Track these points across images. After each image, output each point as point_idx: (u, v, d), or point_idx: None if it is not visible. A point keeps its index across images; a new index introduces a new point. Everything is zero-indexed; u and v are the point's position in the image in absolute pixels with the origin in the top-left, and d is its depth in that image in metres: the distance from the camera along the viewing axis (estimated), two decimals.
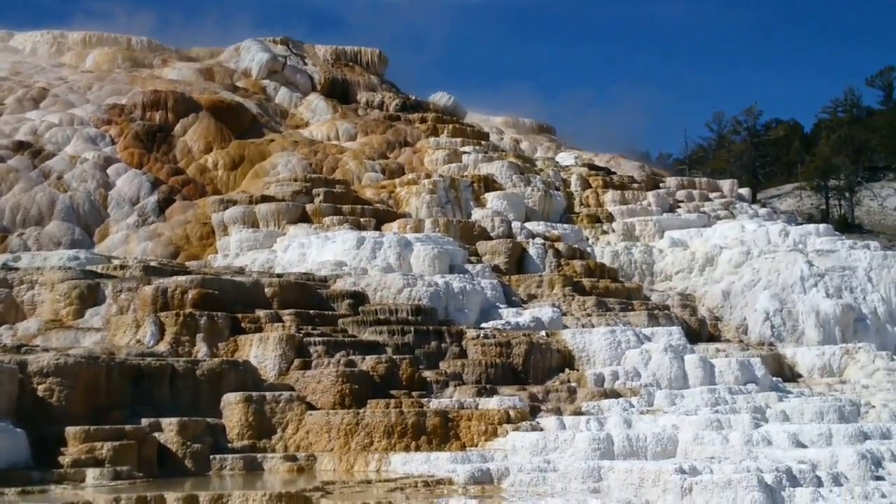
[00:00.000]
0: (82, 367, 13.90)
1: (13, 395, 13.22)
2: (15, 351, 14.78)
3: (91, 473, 12.38)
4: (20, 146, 26.56)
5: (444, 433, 14.51)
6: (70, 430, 12.98)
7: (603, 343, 17.80)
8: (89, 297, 17.51)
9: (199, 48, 37.47)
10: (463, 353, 17.46)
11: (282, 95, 34.00)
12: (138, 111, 29.50)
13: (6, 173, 25.29)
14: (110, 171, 26.77)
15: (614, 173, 32.13)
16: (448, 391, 16.14)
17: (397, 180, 27.82)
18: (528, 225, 26.01)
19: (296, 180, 26.32)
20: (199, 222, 25.28)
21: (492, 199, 26.94)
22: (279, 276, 19.50)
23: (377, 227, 24.05)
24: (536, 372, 17.40)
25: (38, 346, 15.76)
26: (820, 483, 11.73)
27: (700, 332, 22.11)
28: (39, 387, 13.55)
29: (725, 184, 33.88)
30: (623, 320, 19.85)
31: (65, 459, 12.62)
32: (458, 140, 31.58)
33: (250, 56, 35.24)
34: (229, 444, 14.38)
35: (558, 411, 15.54)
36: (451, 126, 32.95)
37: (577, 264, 23.65)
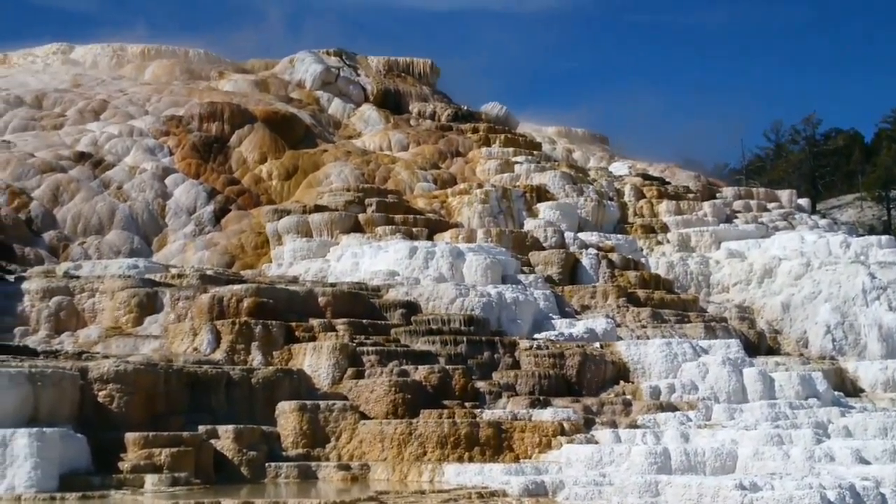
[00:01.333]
0: (141, 374, 14.09)
1: (75, 401, 13.45)
2: (76, 358, 15.05)
3: (150, 479, 12.53)
4: (81, 157, 27.12)
5: (497, 444, 14.44)
6: (129, 436, 13.16)
7: (659, 355, 17.58)
8: (148, 305, 17.79)
9: (254, 60, 37.97)
10: (516, 364, 17.37)
11: (335, 106, 34.29)
12: (195, 122, 29.95)
13: (68, 183, 25.83)
14: (168, 181, 27.20)
15: (669, 183, 31.80)
16: (501, 402, 16.07)
17: (449, 190, 27.85)
18: (581, 235, 25.85)
19: (348, 190, 26.49)
20: (253, 232, 25.56)
21: (544, 209, 26.83)
22: (332, 285, 19.61)
23: (429, 237, 24.09)
24: (590, 384, 17.24)
25: (98, 353, 16.03)
26: (884, 500, 11.43)
27: (759, 345, 21.73)
28: (100, 393, 13.77)
29: (784, 194, 33.30)
30: (679, 332, 19.59)
31: (124, 465, 12.79)
32: (511, 150, 31.53)
33: (304, 68, 35.61)
34: (284, 452, 14.47)
35: (613, 424, 15.38)
36: (503, 136, 32.91)
37: (632, 275, 23.42)
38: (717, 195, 31.50)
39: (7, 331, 17.50)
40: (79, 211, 25.26)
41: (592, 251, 24.28)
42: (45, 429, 12.42)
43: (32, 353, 15.00)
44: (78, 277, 18.91)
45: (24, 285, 18.25)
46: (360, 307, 18.49)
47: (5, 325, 17.71)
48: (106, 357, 15.32)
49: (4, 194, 24.54)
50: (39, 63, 36.59)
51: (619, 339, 19.14)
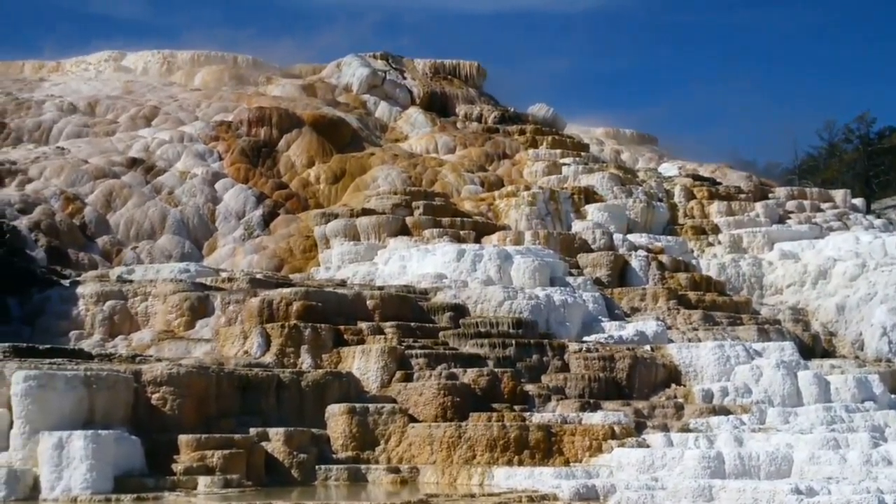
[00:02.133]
0: (193, 377, 14.24)
1: (129, 404, 13.63)
2: (130, 361, 15.26)
3: (202, 481, 12.66)
4: (133, 163, 27.54)
5: (546, 448, 14.36)
6: (182, 439, 13.31)
7: (711, 358, 17.34)
8: (199, 309, 17.98)
9: (301, 65, 38.26)
10: (565, 367, 17.26)
11: (381, 109, 34.42)
12: (244, 127, 30.25)
13: (120, 189, 26.25)
14: (218, 185, 27.50)
15: (720, 184, 31.38)
16: (550, 405, 15.97)
17: (496, 192, 27.78)
18: (630, 237, 25.62)
19: (396, 193, 26.55)
20: (301, 235, 25.73)
21: (592, 210, 26.64)
22: (380, 288, 19.66)
23: (476, 240, 24.05)
24: (641, 387, 17.06)
25: (151, 356, 16.23)
26: None
27: (813, 347, 21.34)
28: (153, 396, 13.94)
29: (838, 194, 32.66)
30: (731, 335, 19.31)
31: (177, 467, 12.93)
32: (558, 152, 31.36)
33: (351, 71, 35.80)
34: (334, 455, 14.53)
35: (665, 428, 15.20)
36: (550, 138, 32.75)
37: (682, 277, 23.14)
38: (770, 195, 31.01)
39: (62, 334, 17.81)
40: (131, 216, 25.64)
41: (642, 253, 24.05)
42: (100, 431, 12.61)
43: (87, 357, 15.23)
44: (131, 282, 19.19)
45: (79, 290, 18.55)
46: (408, 310, 18.51)
47: (61, 328, 18.03)
48: (159, 360, 15.51)
49: (59, 200, 25.00)
50: (92, 70, 37.28)
51: (670, 341, 18.93)
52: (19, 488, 12.14)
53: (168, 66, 37.28)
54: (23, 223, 23.45)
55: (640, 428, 15.10)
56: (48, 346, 15.37)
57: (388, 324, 17.62)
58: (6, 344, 14.69)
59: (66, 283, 19.92)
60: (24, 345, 15.00)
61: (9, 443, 12.62)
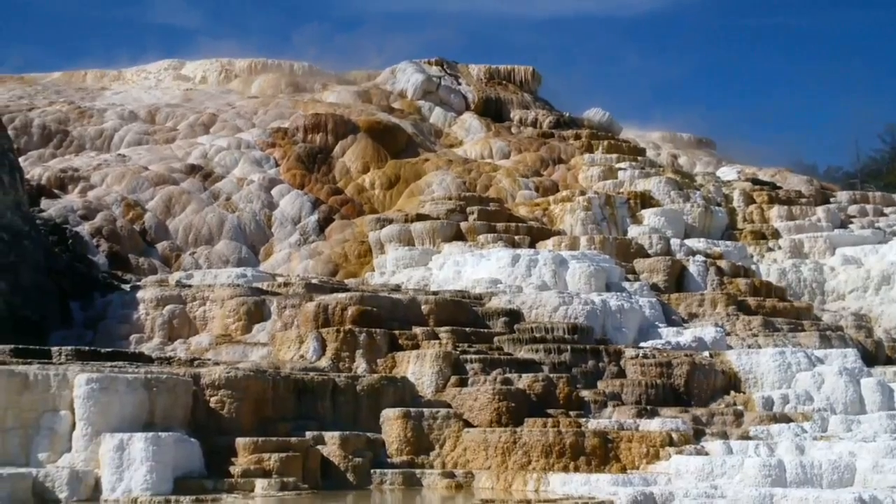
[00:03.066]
0: (251, 381, 14.38)
1: (188, 406, 13.81)
2: (189, 364, 15.47)
3: (260, 484, 12.77)
4: (192, 169, 27.98)
5: (603, 454, 14.19)
6: (240, 441, 13.44)
7: (771, 365, 17.00)
8: (256, 313, 18.17)
9: (356, 71, 38.57)
10: (621, 373, 17.06)
11: (436, 115, 34.51)
12: (300, 134, 30.56)
13: (179, 195, 26.68)
14: (274, 191, 27.81)
15: (780, 188, 30.84)
16: (607, 411, 15.80)
17: (551, 198, 27.65)
18: (688, 242, 25.28)
19: (450, 199, 26.56)
20: (356, 241, 25.87)
21: (649, 215, 26.36)
22: (435, 293, 19.66)
23: (531, 245, 23.94)
24: (699, 394, 16.79)
25: (209, 359, 16.44)
26: None
27: (877, 354, 20.80)
28: (212, 399, 14.10)
29: None
30: (793, 341, 18.93)
31: (235, 469, 13.06)
32: (614, 156, 31.11)
33: (406, 77, 35.96)
34: (389, 459, 14.54)
35: (724, 435, 14.93)
36: (606, 142, 32.51)
37: (742, 282, 22.77)
38: (831, 200, 30.40)
39: (123, 338, 18.13)
40: (190, 222, 26.04)
41: (700, 258, 23.71)
42: (160, 433, 12.80)
43: (147, 360, 15.48)
44: (189, 286, 19.46)
45: (139, 294, 18.88)
46: (463, 315, 18.49)
47: (122, 332, 18.36)
48: (217, 364, 15.69)
49: (120, 206, 25.49)
50: (152, 79, 38.00)
51: (730, 348, 18.61)
52: (81, 489, 12.37)
53: (226, 75, 37.86)
54: (85, 229, 23.96)
55: (698, 435, 14.85)
56: (110, 349, 15.66)
57: (442, 329, 17.61)
58: (69, 347, 15.00)
59: (127, 287, 20.29)
60: (87, 348, 15.29)
61: (71, 444, 12.86)
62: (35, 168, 26.97)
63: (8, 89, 34.52)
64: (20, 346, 14.77)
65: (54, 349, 14.88)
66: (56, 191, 25.89)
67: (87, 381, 12.95)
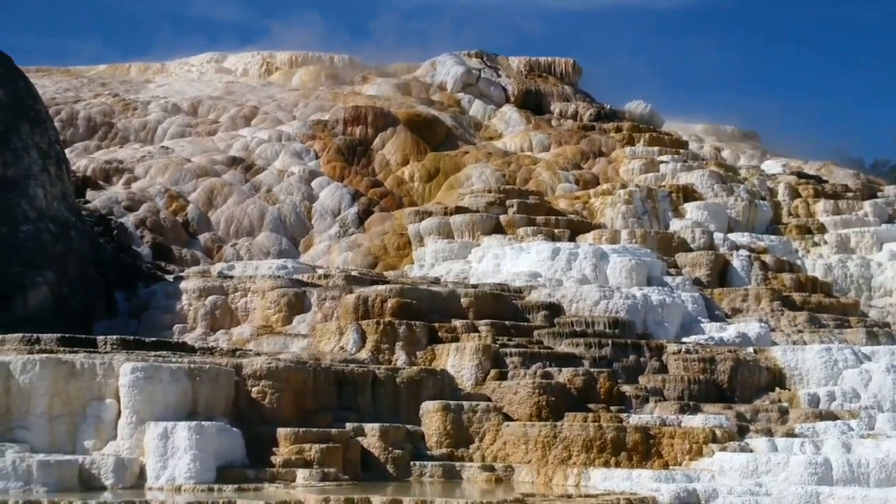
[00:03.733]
0: (291, 372, 14.46)
1: (230, 396, 13.93)
2: (230, 354, 15.59)
3: (301, 474, 12.84)
4: (234, 161, 28.19)
5: (645, 450, 14.09)
6: (281, 432, 13.52)
7: (817, 361, 16.75)
8: (296, 305, 18.26)
9: (396, 64, 38.56)
10: (663, 368, 16.92)
11: (476, 108, 34.42)
12: (340, 126, 30.64)
13: (221, 187, 26.89)
14: (314, 184, 27.92)
15: (826, 181, 30.34)
16: (648, 407, 15.69)
17: (592, 191, 27.47)
18: (732, 236, 24.99)
19: (490, 191, 26.49)
20: (396, 233, 25.90)
21: (691, 209, 26.08)
22: (474, 286, 19.63)
23: (571, 238, 23.80)
24: (743, 390, 16.61)
25: (251, 350, 16.56)
26: None
27: None
28: (253, 389, 14.20)
29: None
30: (839, 337, 18.66)
31: (276, 459, 13.15)
32: (656, 149, 30.82)
33: (445, 70, 35.92)
34: (428, 451, 14.56)
35: (769, 432, 14.75)
36: (647, 135, 32.21)
37: (786, 278, 22.46)
38: (879, 194, 29.82)
39: (167, 328, 18.32)
40: (231, 213, 26.23)
41: (744, 252, 23.43)
42: (203, 422, 12.92)
43: (191, 350, 15.63)
44: (231, 277, 19.61)
45: (182, 285, 19.06)
46: (503, 308, 18.43)
47: (165, 322, 18.55)
48: (258, 354, 15.80)
49: (163, 198, 25.76)
50: (195, 72, 38.32)
51: (774, 344, 18.39)
52: (126, 476, 12.53)
53: (267, 67, 38.07)
54: (129, 220, 24.24)
55: (742, 432, 14.69)
56: (154, 339, 15.83)
57: (482, 322, 17.58)
58: (114, 337, 15.19)
59: (170, 278, 20.50)
60: (132, 338, 15.47)
61: (117, 432, 13.02)
62: (81, 160, 27.34)
63: (54, 82, 35.02)
64: (67, 335, 14.99)
65: (100, 338, 15.08)
66: (101, 182, 26.22)
67: (133, 370, 13.10)
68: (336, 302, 17.94)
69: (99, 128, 30.51)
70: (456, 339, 17.00)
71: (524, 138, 32.08)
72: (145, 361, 13.50)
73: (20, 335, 14.78)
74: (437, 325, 17.29)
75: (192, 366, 13.65)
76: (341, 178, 28.51)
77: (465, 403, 15.02)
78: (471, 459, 14.45)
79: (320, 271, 20.64)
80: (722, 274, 22.65)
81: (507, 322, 17.82)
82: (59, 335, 14.87)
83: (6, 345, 14.58)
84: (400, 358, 16.55)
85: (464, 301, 18.24)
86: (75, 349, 14.33)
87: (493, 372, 16.08)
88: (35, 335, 14.77)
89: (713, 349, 17.34)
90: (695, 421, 14.68)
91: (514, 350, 16.52)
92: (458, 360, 16.28)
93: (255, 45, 41.67)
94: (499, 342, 16.85)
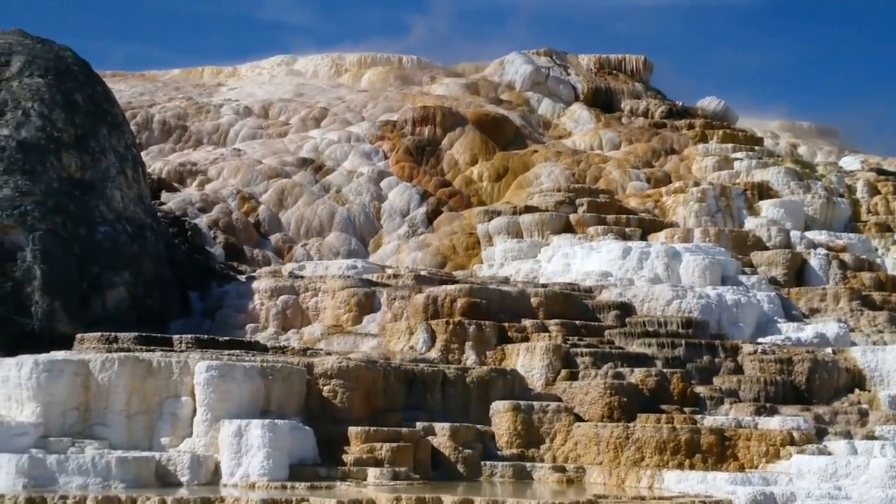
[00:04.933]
0: (362, 371, 14.53)
1: (302, 395, 14.06)
2: (302, 354, 15.75)
3: (372, 472, 12.89)
4: (304, 162, 28.51)
5: (720, 452, 13.83)
6: (352, 431, 13.59)
7: None
8: (366, 305, 18.37)
9: (465, 63, 38.57)
10: (738, 369, 16.58)
11: (545, 106, 34.22)
12: (409, 126, 30.75)
13: (292, 188, 27.22)
14: (383, 184, 28.08)
15: None
16: (723, 408, 15.38)
17: (664, 189, 27.05)
18: (809, 234, 24.38)
19: (559, 190, 26.29)
20: (464, 233, 25.89)
21: (767, 207, 25.52)
22: (544, 286, 19.49)
23: (643, 237, 23.49)
24: (821, 391, 16.19)
25: (321, 349, 16.71)
26: None
27: None
28: (324, 388, 14.31)
29: None
30: None
31: (348, 458, 13.22)
32: (729, 146, 30.20)
33: (514, 69, 35.78)
34: (498, 452, 14.49)
35: (848, 435, 14.36)
36: (721, 131, 31.60)
37: (866, 277, 21.82)
38: None
39: (239, 327, 18.61)
40: (302, 214, 26.53)
41: (821, 251, 22.84)
42: (276, 420, 13.06)
43: (263, 349, 15.84)
44: (302, 277, 19.82)
45: (254, 285, 19.33)
46: (573, 308, 18.27)
47: (238, 321, 18.84)
48: (329, 354, 15.93)
49: (236, 199, 26.17)
50: (266, 75, 38.87)
51: (853, 344, 17.91)
52: (202, 473, 12.73)
53: (336, 69, 38.41)
54: (203, 221, 24.68)
55: (820, 434, 14.33)
56: (227, 338, 16.08)
57: (552, 321, 17.44)
58: (189, 336, 15.48)
59: (243, 278, 20.82)
60: (206, 336, 15.74)
61: (192, 429, 13.25)
62: (156, 162, 27.95)
63: (130, 86, 35.88)
64: (144, 334, 15.33)
65: (175, 337, 15.38)
66: (175, 184, 26.77)
67: (207, 368, 13.31)
68: (406, 301, 17.99)
69: (173, 131, 31.15)
70: (526, 339, 16.91)
71: (594, 136, 31.78)
72: (219, 360, 13.71)
73: (99, 334, 15.17)
74: (506, 324, 17.21)
75: (264, 365, 13.82)
76: (410, 179, 28.61)
77: (536, 403, 14.91)
78: (541, 460, 14.35)
79: (390, 271, 20.73)
80: (799, 273, 22.12)
81: (577, 322, 17.66)
82: (136, 334, 15.21)
83: (85, 343, 14.97)
84: (470, 357, 16.52)
85: (534, 301, 18.13)
86: (152, 348, 14.64)
87: (563, 372, 15.94)
88: (113, 334, 15.14)
89: (790, 350, 16.95)
90: (772, 423, 14.35)
91: (584, 350, 16.36)
92: (529, 359, 16.18)
93: (325, 48, 42.09)
94: (569, 342, 16.71)
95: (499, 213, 25.23)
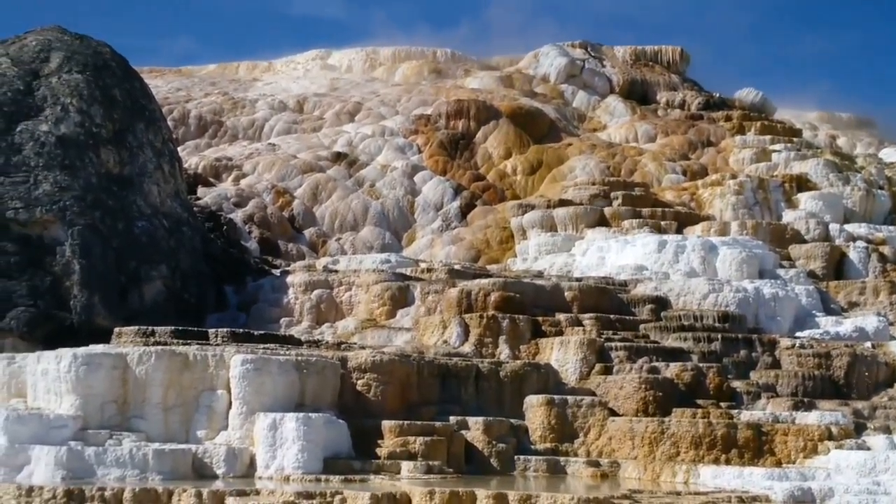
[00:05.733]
0: (396, 365, 14.56)
1: (336, 389, 14.12)
2: (336, 347, 15.81)
3: (406, 466, 12.92)
4: (338, 157, 28.59)
5: (756, 447, 13.71)
6: (386, 424, 13.63)
7: None
8: (400, 299, 18.39)
9: (499, 57, 38.42)
10: (776, 364, 16.40)
11: (579, 99, 34.02)
12: (443, 120, 30.72)
13: (326, 182, 27.32)
14: (417, 178, 28.08)
15: None
16: (760, 403, 15.24)
17: (700, 181, 26.78)
18: (848, 227, 24.01)
19: (594, 184, 26.13)
20: (498, 227, 25.82)
21: (805, 199, 25.17)
22: (578, 279, 19.39)
23: (678, 231, 23.27)
24: (860, 386, 16.01)
25: (355, 343, 16.77)
26: None
27: None
28: (358, 382, 14.37)
29: None
30: None
31: (381, 451, 13.26)
32: (767, 138, 29.83)
33: (549, 61, 35.60)
34: (532, 446, 14.46)
35: (887, 430, 14.18)
36: (758, 123, 31.22)
37: None
38: None
39: (274, 321, 18.72)
40: (336, 208, 26.62)
41: (861, 244, 22.49)
42: (310, 414, 13.13)
43: (297, 343, 15.92)
44: (336, 271, 19.89)
45: (289, 279, 19.43)
46: (607, 302, 18.17)
47: (272, 315, 18.96)
48: (363, 348, 15.98)
49: (270, 194, 26.32)
50: (300, 69, 39.03)
51: (893, 338, 17.63)
52: (237, 466, 12.84)
53: (370, 63, 38.45)
54: (238, 216, 24.87)
55: (859, 429, 14.16)
56: (262, 331, 16.18)
57: (586, 315, 17.36)
58: (225, 329, 15.60)
59: (277, 272, 20.94)
60: (241, 330, 15.86)
61: (228, 422, 13.36)
62: (192, 157, 28.19)
63: (167, 82, 36.22)
64: (180, 328, 15.47)
65: (211, 331, 15.51)
66: (211, 179, 26.98)
67: (243, 361, 13.41)
68: (439, 295, 17.99)
69: (209, 126, 31.40)
70: (560, 333, 16.85)
71: (629, 129, 31.54)
72: (255, 354, 13.81)
73: (136, 328, 15.34)
74: (540, 318, 17.16)
75: (299, 358, 13.89)
76: (444, 172, 28.59)
77: (570, 398, 14.85)
78: (575, 454, 14.30)
79: (423, 265, 20.73)
80: (838, 266, 21.81)
81: (611, 316, 17.56)
82: (172, 328, 15.36)
83: (123, 337, 15.15)
84: (503, 352, 16.49)
85: (568, 294, 18.05)
86: (188, 341, 14.78)
87: (597, 366, 15.87)
88: (150, 327, 15.30)
89: (829, 344, 16.76)
90: (809, 418, 14.19)
91: (619, 344, 16.27)
92: (563, 354, 16.12)
93: (359, 42, 42.15)
94: (604, 336, 16.62)
95: (533, 207, 25.13)
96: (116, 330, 15.52)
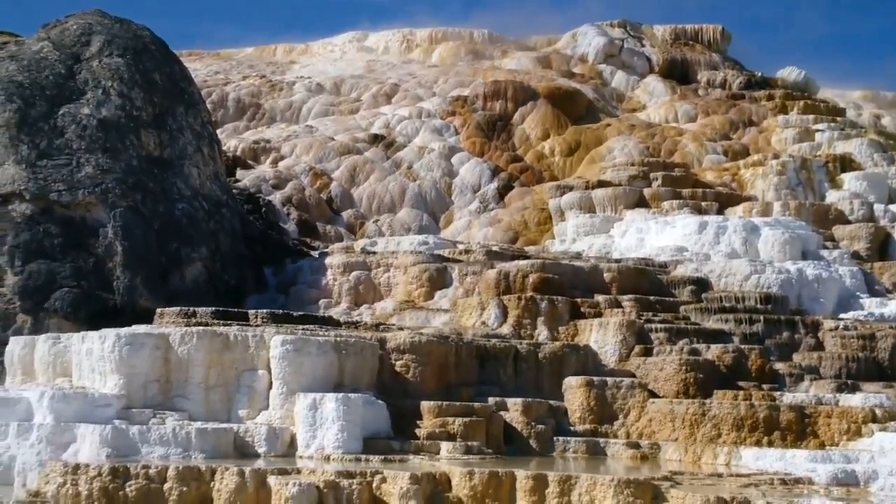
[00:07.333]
0: (434, 346, 14.59)
1: (374, 370, 14.18)
2: (374, 329, 15.86)
3: (444, 446, 12.95)
4: (375, 139, 28.61)
5: (799, 430, 13.57)
6: (425, 405, 13.67)
7: None
8: (438, 280, 18.39)
9: (536, 37, 38.11)
10: (819, 346, 16.19)
11: (618, 79, 33.68)
12: (480, 101, 30.59)
13: (363, 164, 27.36)
14: (454, 160, 28.02)
15: None
16: (803, 385, 15.07)
17: (741, 162, 26.45)
18: (893, 207, 23.61)
19: (633, 164, 25.91)
20: (536, 208, 25.71)
21: (849, 179, 24.77)
22: (617, 261, 19.26)
23: (719, 212, 23.04)
24: None
25: (394, 324, 16.80)
26: None
27: None
28: (397, 363, 14.41)
29: None
30: None
31: (421, 431, 13.30)
32: (810, 117, 29.35)
33: (587, 41, 35.26)
34: (571, 427, 14.42)
35: None
36: (801, 103, 30.72)
37: None
38: None
39: (313, 302, 18.81)
40: (373, 190, 26.67)
41: None
42: (350, 394, 13.20)
43: (336, 324, 15.99)
44: (374, 253, 19.93)
45: (327, 260, 19.51)
46: (647, 284, 18.02)
47: (311, 297, 19.05)
48: (401, 329, 16.01)
49: (308, 176, 26.42)
50: (337, 52, 39.03)
51: None
52: (278, 445, 12.96)
53: (407, 45, 38.35)
54: (276, 198, 25.00)
55: None
56: (301, 313, 16.28)
57: (625, 297, 17.24)
58: (265, 311, 15.72)
59: (316, 254, 21.03)
60: (280, 311, 15.96)
61: (268, 402, 13.47)
62: (231, 140, 28.36)
63: (206, 65, 36.43)
64: (221, 309, 15.61)
65: (251, 312, 15.63)
66: (250, 161, 27.13)
67: (283, 342, 13.50)
68: (477, 277, 17.95)
69: (247, 109, 31.54)
70: (599, 315, 16.75)
71: (669, 109, 31.18)
72: (294, 334, 13.90)
73: (178, 308, 15.50)
74: (579, 300, 17.07)
75: (338, 339, 13.96)
76: (481, 154, 28.49)
77: (609, 379, 14.79)
78: (615, 436, 14.24)
79: (461, 247, 20.70)
80: (882, 247, 21.50)
81: (651, 297, 17.42)
82: (213, 308, 15.50)
83: (165, 318, 15.32)
84: (542, 333, 16.44)
85: (606, 276, 17.94)
86: (229, 322, 14.91)
87: (637, 348, 15.77)
88: (191, 308, 15.46)
89: (873, 326, 16.52)
90: (853, 400, 14.01)
91: (659, 326, 16.15)
92: (602, 335, 16.04)
93: (396, 23, 42.03)
94: (643, 318, 16.50)
95: (571, 188, 24.98)
96: (158, 311, 15.70)
